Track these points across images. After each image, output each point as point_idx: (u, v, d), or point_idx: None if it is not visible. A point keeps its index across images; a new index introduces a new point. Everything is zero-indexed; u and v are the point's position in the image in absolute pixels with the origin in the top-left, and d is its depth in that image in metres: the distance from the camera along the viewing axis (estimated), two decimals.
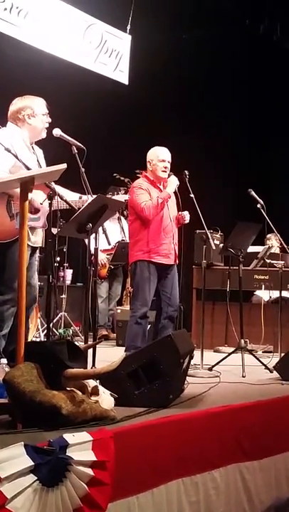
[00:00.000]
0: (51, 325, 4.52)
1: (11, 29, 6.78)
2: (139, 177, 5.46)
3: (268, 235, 6.84)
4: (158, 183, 5.24)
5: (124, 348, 5.21)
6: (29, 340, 4.60)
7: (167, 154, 5.21)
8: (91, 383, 2.93)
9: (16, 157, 3.73)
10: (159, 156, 5.19)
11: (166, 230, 5.16)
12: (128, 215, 7.63)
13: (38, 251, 4.23)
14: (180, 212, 5.26)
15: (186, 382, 3.79)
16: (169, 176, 5.19)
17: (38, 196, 3.94)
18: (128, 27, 8.17)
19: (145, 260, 5.06)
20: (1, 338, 3.99)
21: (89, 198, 4.13)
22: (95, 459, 2.39)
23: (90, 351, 3.86)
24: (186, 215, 5.26)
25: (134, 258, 5.11)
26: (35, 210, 3.88)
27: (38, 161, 4.17)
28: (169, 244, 5.17)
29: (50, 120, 4.18)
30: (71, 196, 4.22)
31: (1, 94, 4.93)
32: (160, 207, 5.09)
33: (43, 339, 6.03)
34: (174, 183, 5.13)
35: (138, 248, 5.09)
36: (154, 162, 5.19)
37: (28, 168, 3.72)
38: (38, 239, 4.19)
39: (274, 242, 7.01)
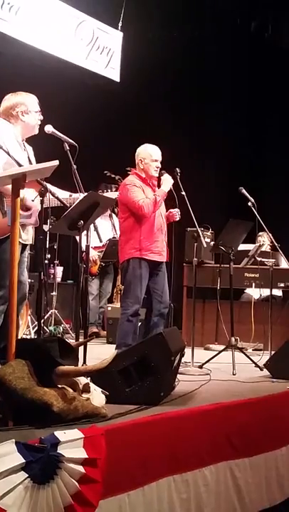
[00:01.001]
0: (42, 322, 4.50)
1: (2, 25, 6.76)
2: (130, 174, 5.45)
3: (260, 233, 6.85)
4: (149, 181, 5.24)
5: (114, 345, 5.20)
6: (19, 337, 4.58)
7: (159, 154, 5.21)
8: (82, 380, 2.92)
9: (8, 153, 3.72)
10: (152, 156, 5.18)
11: (158, 227, 5.17)
12: (118, 212, 7.65)
13: (28, 248, 4.21)
14: (171, 210, 5.26)
15: (176, 379, 3.80)
16: (161, 174, 5.18)
17: (29, 194, 3.93)
18: (120, 24, 8.17)
19: (138, 258, 5.05)
20: None
21: (80, 196, 4.12)
22: (86, 456, 2.39)
23: (81, 349, 3.86)
24: (177, 213, 5.27)
25: (126, 256, 5.10)
26: (26, 209, 3.86)
27: (28, 158, 4.16)
28: (161, 242, 5.18)
29: (42, 118, 4.17)
30: (61, 194, 4.21)
31: None
32: (158, 205, 5.10)
33: (33, 336, 6.02)
34: (169, 181, 5.13)
35: (131, 246, 5.08)
36: (147, 161, 5.18)
37: (20, 165, 3.71)
38: (28, 237, 4.17)
39: (266, 239, 7.03)
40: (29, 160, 4.13)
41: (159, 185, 5.26)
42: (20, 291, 3.81)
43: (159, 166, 5.19)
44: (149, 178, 5.23)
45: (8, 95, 4.15)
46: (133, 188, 5.10)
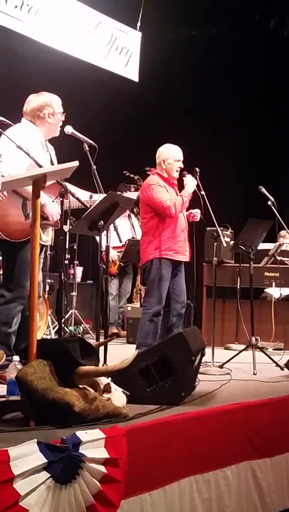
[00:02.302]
0: (62, 322, 4.52)
1: (21, 27, 6.81)
2: (149, 174, 5.45)
3: (281, 232, 6.81)
4: (171, 182, 5.25)
5: (134, 345, 5.21)
6: (39, 337, 4.60)
7: (182, 154, 5.22)
8: (103, 381, 2.93)
9: (28, 155, 3.73)
10: (176, 156, 5.19)
11: (181, 227, 5.18)
12: (138, 212, 7.65)
13: (47, 249, 4.25)
14: (191, 211, 5.26)
15: (197, 379, 3.79)
16: (184, 174, 5.18)
17: (49, 201, 3.96)
18: (138, 24, 8.18)
19: (162, 258, 5.07)
20: (11, 335, 4.01)
21: (100, 197, 4.14)
22: (107, 456, 2.40)
23: (102, 349, 3.87)
24: (198, 214, 5.26)
25: (150, 256, 5.11)
26: (42, 217, 3.87)
27: (51, 159, 4.18)
28: (184, 242, 5.20)
29: (63, 119, 4.19)
30: (81, 195, 4.22)
31: (12, 92, 4.94)
32: (185, 205, 5.11)
33: (53, 336, 6.04)
34: (192, 181, 5.13)
35: (155, 246, 5.09)
36: (170, 161, 5.18)
37: (40, 166, 3.73)
38: (48, 238, 4.21)
39: (287, 238, 6.98)
40: (51, 161, 4.16)
41: (179, 186, 5.26)
42: None
43: (182, 166, 5.20)
44: (171, 179, 5.24)
45: (32, 96, 4.16)
46: (158, 188, 5.09)
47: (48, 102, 4.10)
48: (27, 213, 3.88)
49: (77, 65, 7.53)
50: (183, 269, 5.27)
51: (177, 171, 5.19)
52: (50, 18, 7.14)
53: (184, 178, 5.18)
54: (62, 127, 4.20)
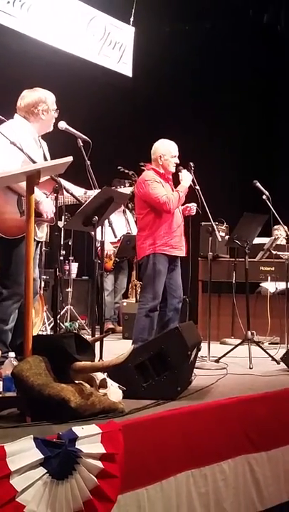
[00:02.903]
0: (57, 318, 4.52)
1: (13, 22, 6.79)
2: (144, 169, 5.44)
3: (276, 226, 6.81)
4: (166, 177, 5.24)
5: (130, 340, 5.20)
6: (35, 334, 4.60)
7: (177, 149, 5.21)
8: (99, 376, 2.93)
9: (22, 151, 3.72)
10: (172, 152, 5.18)
11: (177, 222, 5.18)
12: (133, 207, 7.64)
13: (42, 245, 4.24)
14: (188, 204, 5.26)
15: (193, 374, 3.79)
16: (179, 170, 5.17)
17: (43, 198, 3.95)
18: (131, 19, 8.15)
19: (159, 253, 5.06)
20: (8, 332, 4.00)
21: (94, 193, 4.13)
22: (104, 451, 2.40)
23: (98, 344, 3.86)
24: (193, 208, 5.26)
25: (146, 251, 5.10)
26: (38, 214, 3.86)
27: (44, 155, 4.16)
28: (180, 236, 5.20)
29: (56, 116, 4.18)
30: (76, 191, 4.21)
31: (4, 88, 4.92)
32: (181, 201, 5.11)
33: (49, 333, 6.04)
34: (188, 177, 5.12)
35: (151, 241, 5.08)
36: (167, 157, 5.17)
37: (34, 162, 3.71)
38: (43, 234, 4.20)
39: (282, 232, 6.98)
40: (44, 157, 4.14)
41: (174, 181, 5.25)
42: (33, 288, 3.84)
43: (178, 161, 5.19)
44: (166, 174, 5.23)
45: (26, 91, 4.14)
46: (154, 183, 5.09)
47: (42, 99, 4.09)
48: (22, 210, 3.87)
49: (71, 61, 7.51)
50: (179, 264, 5.27)
51: (174, 166, 5.18)
52: (43, 14, 7.11)
53: (179, 173, 5.17)
54: (55, 123, 4.19)
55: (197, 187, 5.13)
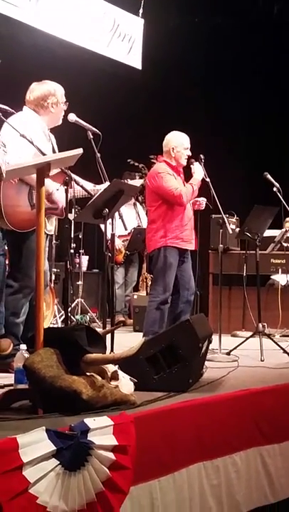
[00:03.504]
0: (68, 311, 4.53)
1: (22, 15, 6.79)
2: (154, 162, 5.44)
3: (288, 218, 6.78)
4: (178, 169, 5.23)
5: (141, 333, 5.21)
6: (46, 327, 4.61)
7: (189, 142, 5.20)
8: (110, 368, 2.93)
9: (32, 143, 3.72)
10: (185, 144, 5.16)
11: (188, 216, 5.17)
12: (144, 200, 7.62)
13: (50, 238, 4.24)
14: (197, 199, 5.25)
15: (204, 366, 3.78)
16: (191, 162, 5.15)
17: (56, 188, 3.95)
18: (140, 11, 8.12)
19: (170, 246, 5.06)
20: (19, 325, 4.01)
21: (104, 186, 4.12)
22: (116, 443, 2.40)
23: (109, 337, 3.87)
24: (203, 203, 5.24)
25: (157, 244, 5.10)
26: (50, 202, 3.86)
27: (53, 148, 4.16)
28: (190, 230, 5.20)
29: (65, 108, 4.17)
30: (85, 185, 4.21)
31: (14, 81, 4.92)
32: (195, 194, 5.11)
33: (60, 326, 6.05)
34: (200, 169, 5.11)
35: (162, 234, 5.08)
36: (179, 149, 5.15)
37: (44, 154, 3.71)
38: (52, 227, 4.20)
39: None
40: (53, 150, 4.14)
41: (185, 173, 5.24)
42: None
43: (190, 154, 5.18)
44: (179, 166, 5.22)
45: (35, 84, 4.12)
46: (167, 176, 5.08)
47: (51, 92, 4.07)
48: (33, 203, 3.87)
49: (80, 53, 7.50)
50: (189, 256, 5.27)
51: (186, 159, 5.17)
52: (52, 6, 7.11)
53: (191, 166, 5.15)
54: (65, 116, 4.18)
55: (208, 179, 5.12)
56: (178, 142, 5.17)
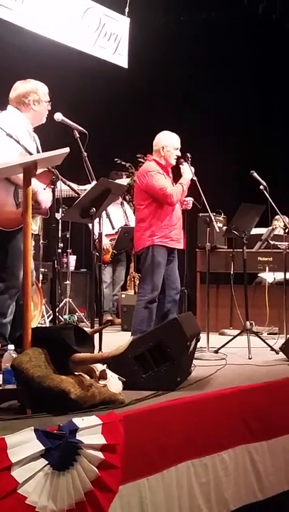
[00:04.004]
0: (56, 311, 4.52)
1: (8, 14, 6.75)
2: (141, 161, 5.43)
3: (276, 216, 6.81)
4: (167, 169, 5.24)
5: (129, 332, 5.22)
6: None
7: (179, 142, 5.21)
8: (99, 367, 2.93)
9: (18, 142, 3.71)
10: (175, 144, 5.19)
11: (177, 215, 5.19)
12: (131, 199, 7.61)
13: (34, 238, 4.23)
14: (184, 198, 5.26)
15: (193, 365, 3.79)
16: (180, 162, 5.16)
17: (41, 188, 3.94)
18: (126, 10, 8.12)
19: (159, 245, 5.07)
20: (7, 325, 4.00)
21: (88, 187, 4.11)
22: (104, 442, 2.40)
23: (97, 336, 3.86)
24: (190, 202, 5.26)
25: (146, 243, 5.11)
26: (36, 203, 3.85)
27: (37, 147, 4.14)
28: (179, 229, 5.23)
29: (49, 108, 4.16)
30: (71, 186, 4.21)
31: (0, 80, 4.89)
32: (184, 194, 5.12)
33: (48, 325, 6.04)
34: (190, 169, 5.12)
35: (151, 233, 5.09)
36: (169, 149, 5.17)
37: (31, 154, 3.70)
38: (36, 227, 4.20)
39: (281, 223, 6.98)
40: (38, 150, 4.12)
41: (173, 173, 5.24)
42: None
43: (179, 154, 5.19)
44: (168, 165, 5.23)
45: (18, 83, 4.13)
46: (157, 175, 5.09)
47: (33, 89, 4.08)
48: (19, 202, 3.86)
49: (66, 52, 7.48)
50: (176, 255, 5.28)
51: (175, 159, 5.18)
52: (38, 5, 7.08)
53: (180, 166, 5.15)
54: (51, 115, 4.17)
55: (194, 178, 5.13)
56: (168, 142, 5.18)
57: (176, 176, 5.22)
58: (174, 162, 5.20)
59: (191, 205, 5.29)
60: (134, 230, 5.45)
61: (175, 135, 5.23)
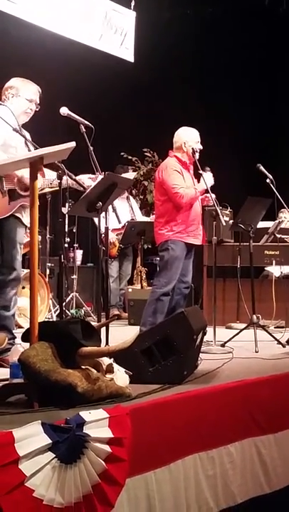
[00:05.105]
0: (63, 306, 4.52)
1: (14, 8, 6.74)
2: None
3: (283, 210, 6.79)
4: (188, 164, 5.24)
5: (136, 327, 5.22)
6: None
7: (199, 136, 5.22)
8: (105, 361, 2.94)
9: (24, 137, 3.69)
10: (196, 138, 5.20)
11: (196, 211, 5.23)
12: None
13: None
14: (207, 195, 5.26)
15: (199, 358, 3.80)
16: (205, 169, 5.15)
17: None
18: (132, 3, 8.10)
19: (178, 240, 5.10)
20: (11, 318, 4.00)
21: (94, 182, 4.10)
22: (111, 435, 2.41)
23: (103, 330, 3.87)
24: (211, 198, 5.24)
25: (165, 237, 5.15)
26: (25, 188, 3.79)
27: (26, 142, 4.06)
28: (197, 225, 5.26)
29: (36, 109, 4.06)
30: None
31: (5, 74, 4.89)
32: (195, 200, 5.14)
33: (55, 320, 6.05)
34: (211, 180, 5.12)
35: (170, 228, 5.13)
36: (191, 144, 5.18)
37: (36, 147, 3.69)
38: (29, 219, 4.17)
39: (287, 215, 6.97)
40: (26, 144, 4.04)
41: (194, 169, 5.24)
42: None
43: (201, 147, 5.18)
44: (190, 162, 5.24)
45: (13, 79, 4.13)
46: (175, 173, 5.12)
47: (14, 84, 4.04)
48: (4, 190, 3.82)
49: (72, 46, 7.47)
50: (193, 252, 5.31)
51: (197, 152, 5.18)
52: (43, 0, 7.07)
53: (203, 172, 5.10)
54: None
55: (201, 171, 5.11)
56: (189, 137, 5.21)
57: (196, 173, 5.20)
58: (197, 156, 5.19)
59: (212, 202, 5.26)
60: (154, 224, 5.43)
61: (194, 129, 5.26)
